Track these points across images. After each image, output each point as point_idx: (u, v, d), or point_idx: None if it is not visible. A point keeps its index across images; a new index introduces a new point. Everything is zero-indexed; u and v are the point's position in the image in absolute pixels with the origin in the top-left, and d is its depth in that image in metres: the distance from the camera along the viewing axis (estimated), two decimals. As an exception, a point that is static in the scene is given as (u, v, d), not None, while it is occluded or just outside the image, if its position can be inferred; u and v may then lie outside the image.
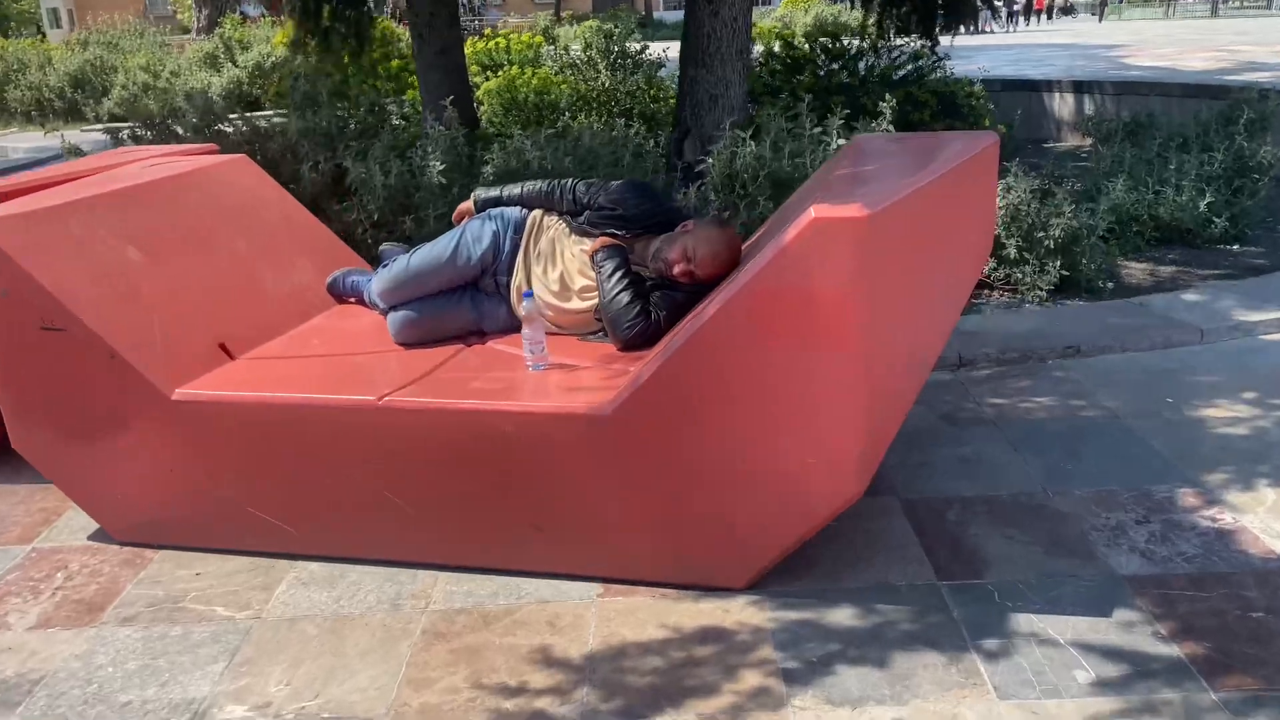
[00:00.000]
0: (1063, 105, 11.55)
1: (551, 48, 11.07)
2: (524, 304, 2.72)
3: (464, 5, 40.17)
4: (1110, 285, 6.12)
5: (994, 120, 8.94)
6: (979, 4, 9.43)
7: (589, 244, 2.83)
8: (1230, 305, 3.39)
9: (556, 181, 3.03)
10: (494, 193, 3.19)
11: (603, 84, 10.04)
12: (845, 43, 9.50)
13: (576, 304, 2.90)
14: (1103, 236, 6.94)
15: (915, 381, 2.33)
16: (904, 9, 9.46)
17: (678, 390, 2.08)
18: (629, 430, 2.15)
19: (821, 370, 1.95)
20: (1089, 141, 9.56)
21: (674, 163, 7.13)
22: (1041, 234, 5.79)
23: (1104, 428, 3.07)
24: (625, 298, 2.63)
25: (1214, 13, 49.67)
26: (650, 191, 2.91)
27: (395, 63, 11.12)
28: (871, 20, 9.66)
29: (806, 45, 9.27)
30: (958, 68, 14.90)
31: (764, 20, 34.09)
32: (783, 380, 2.00)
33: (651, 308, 2.68)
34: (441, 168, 5.27)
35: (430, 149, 5.35)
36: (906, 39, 9.64)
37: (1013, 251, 5.82)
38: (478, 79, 10.67)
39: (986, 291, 5.98)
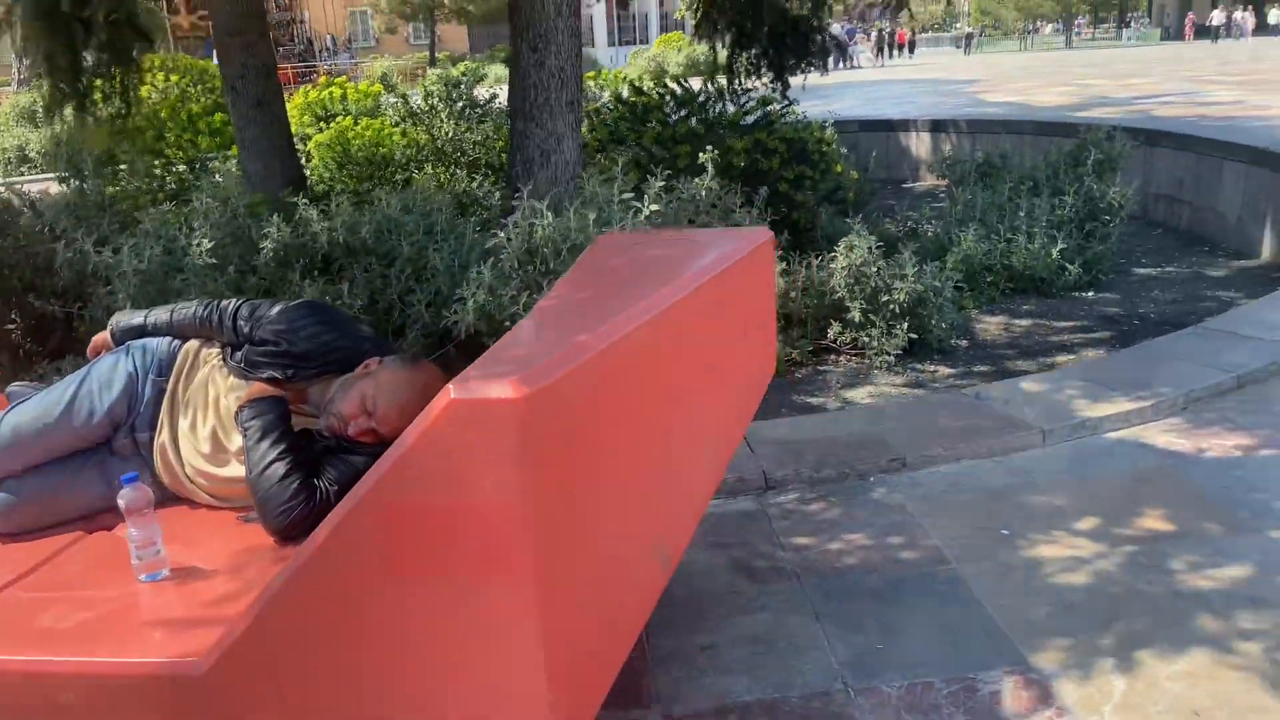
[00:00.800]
0: (920, 145, 11.44)
1: (392, 96, 10.41)
2: (123, 493, 1.96)
3: (326, 48, 39.12)
4: (963, 343, 5.79)
5: (846, 165, 8.66)
6: (827, 47, 9.17)
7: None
8: (1073, 395, 3.00)
9: (215, 303, 2.30)
10: (136, 319, 2.46)
11: (446, 134, 9.43)
12: (698, 86, 9.11)
13: (235, 469, 2.19)
14: (958, 286, 6.65)
15: (670, 550, 1.78)
16: (754, 51, 9.13)
17: (289, 636, 1.46)
18: (230, 695, 1.49)
19: (479, 599, 1.38)
20: (946, 181, 9.38)
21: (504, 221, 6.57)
22: (886, 297, 5.40)
23: (928, 580, 2.48)
24: (278, 471, 1.95)
25: (1068, 44, 52.05)
26: (330, 316, 2.25)
27: (219, 116, 10.30)
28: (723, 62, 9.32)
29: (655, 91, 8.84)
30: (821, 106, 14.77)
31: (638, 60, 34.08)
32: (431, 618, 1.40)
33: (321, 480, 2.02)
34: (210, 245, 4.57)
35: (197, 223, 4.65)
36: (759, 81, 9.31)
37: (857, 315, 5.42)
38: (309, 130, 9.94)
39: (833, 357, 5.57)
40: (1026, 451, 2.76)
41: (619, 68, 38.97)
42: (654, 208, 4.24)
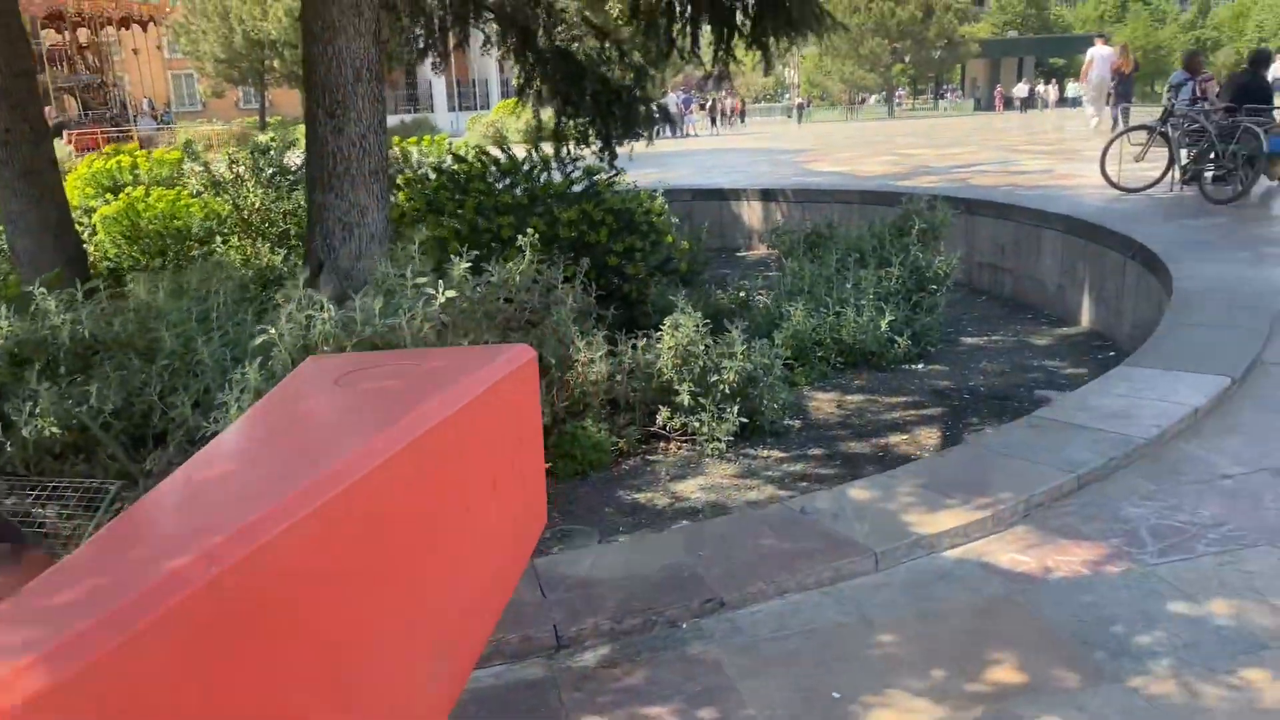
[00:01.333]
0: (751, 214, 11.42)
1: (194, 164, 9.60)
2: None
3: (144, 112, 37.21)
4: (796, 423, 5.52)
5: (677, 235, 8.43)
6: (654, 116, 8.97)
7: None
8: (908, 503, 2.69)
9: None
10: None
11: (253, 204, 8.70)
12: (528, 154, 8.71)
13: None
14: (789, 362, 6.43)
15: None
16: (582, 119, 8.84)
17: None
18: None
19: None
20: (778, 251, 9.30)
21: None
22: (715, 377, 5.07)
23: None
24: None
25: (890, 114, 54.92)
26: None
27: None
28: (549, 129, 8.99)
29: (478, 160, 8.41)
30: (657, 175, 14.76)
31: (476, 125, 33.76)
32: None
33: None
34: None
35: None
36: (588, 150, 9.00)
37: (686, 398, 5.06)
38: (94, 203, 9.02)
39: (663, 445, 5.18)
40: (859, 579, 2.41)
41: (456, 135, 38.55)
42: (450, 294, 3.77)
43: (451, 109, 51.32)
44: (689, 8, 8.74)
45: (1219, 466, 3.02)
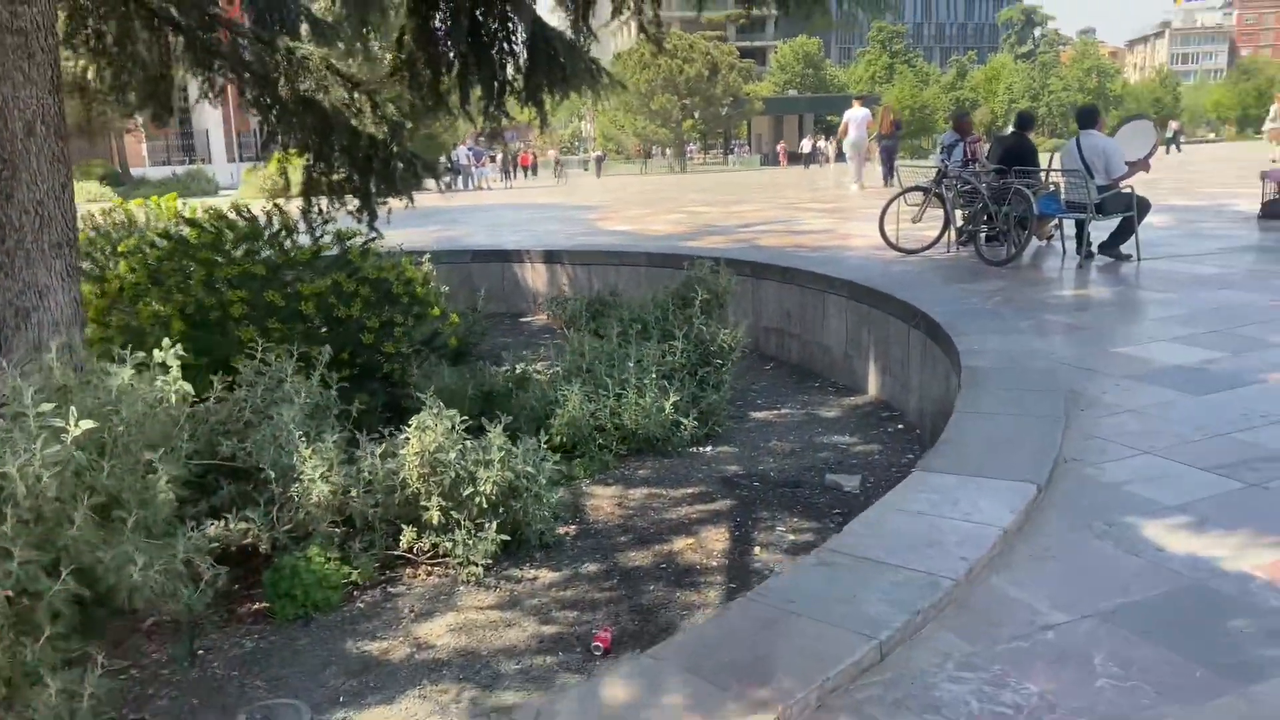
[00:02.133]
0: (536, 277, 10.78)
1: None
2: None
3: None
4: (571, 530, 4.83)
5: (446, 307, 7.64)
6: (419, 172, 8.17)
7: None
8: (673, 705, 2.06)
9: None
10: None
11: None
12: (268, 217, 7.69)
13: None
14: (567, 451, 5.77)
15: None
16: (335, 174, 7.92)
17: None
18: None
19: None
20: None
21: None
22: (470, 489, 4.31)
23: None
24: None
25: (682, 169, 56.25)
26: None
27: None
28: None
29: (210, 223, 7.33)
30: (439, 232, 13.91)
31: (253, 177, 31.74)
32: None
33: None
34: None
35: None
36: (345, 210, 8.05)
37: (436, 515, 4.27)
38: None
39: (409, 571, 4.36)
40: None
41: (231, 189, 36.25)
42: (85, 425, 2.85)
43: (231, 160, 48.43)
44: (457, 62, 8.04)
45: (1039, 613, 2.54)
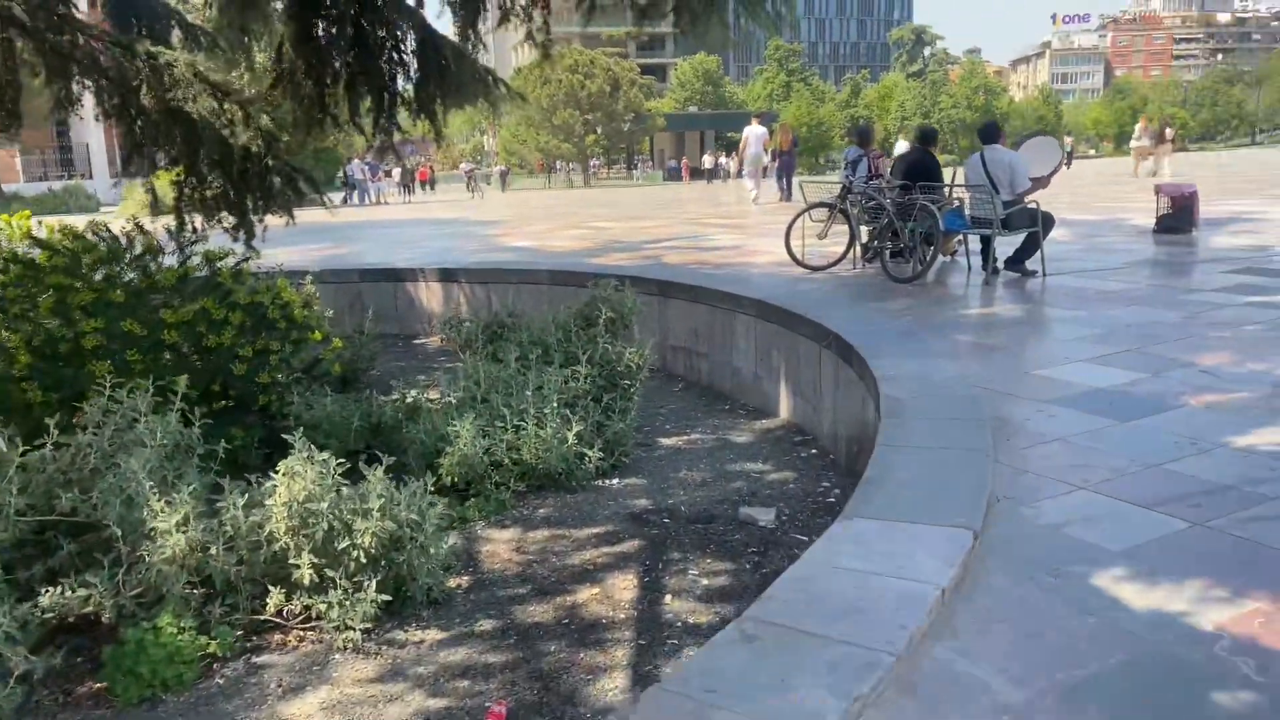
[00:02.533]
0: (431, 296, 10.27)
1: None
2: None
3: None
4: (464, 582, 4.39)
5: (327, 331, 7.10)
6: (301, 187, 7.61)
7: None
8: None
9: None
10: None
11: None
12: (128, 238, 7.05)
13: None
14: (461, 491, 5.32)
15: None
16: (209, 190, 7.31)
17: None
18: None
19: None
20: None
21: None
22: (346, 542, 3.84)
23: None
24: None
25: (586, 184, 55.98)
26: None
27: None
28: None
29: (63, 244, 6.66)
30: (331, 251, 13.24)
31: (135, 193, 30.18)
32: None
33: None
34: None
35: None
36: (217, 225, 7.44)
37: (307, 573, 3.79)
38: None
39: (278, 638, 3.87)
40: None
41: (112, 206, 34.45)
42: None
43: (115, 175, 46.11)
44: (343, 72, 7.51)
45: (993, 689, 2.24)
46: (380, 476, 4.03)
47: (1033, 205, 7.93)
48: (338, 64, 7.43)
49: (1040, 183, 8.15)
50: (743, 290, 7.69)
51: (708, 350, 8.03)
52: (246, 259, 7.04)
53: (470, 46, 6.73)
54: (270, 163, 6.78)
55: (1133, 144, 27.81)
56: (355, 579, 3.87)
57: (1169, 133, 28.57)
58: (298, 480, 3.89)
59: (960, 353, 5.56)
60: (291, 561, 3.85)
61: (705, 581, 4.27)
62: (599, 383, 6.29)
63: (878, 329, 6.05)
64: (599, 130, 58.87)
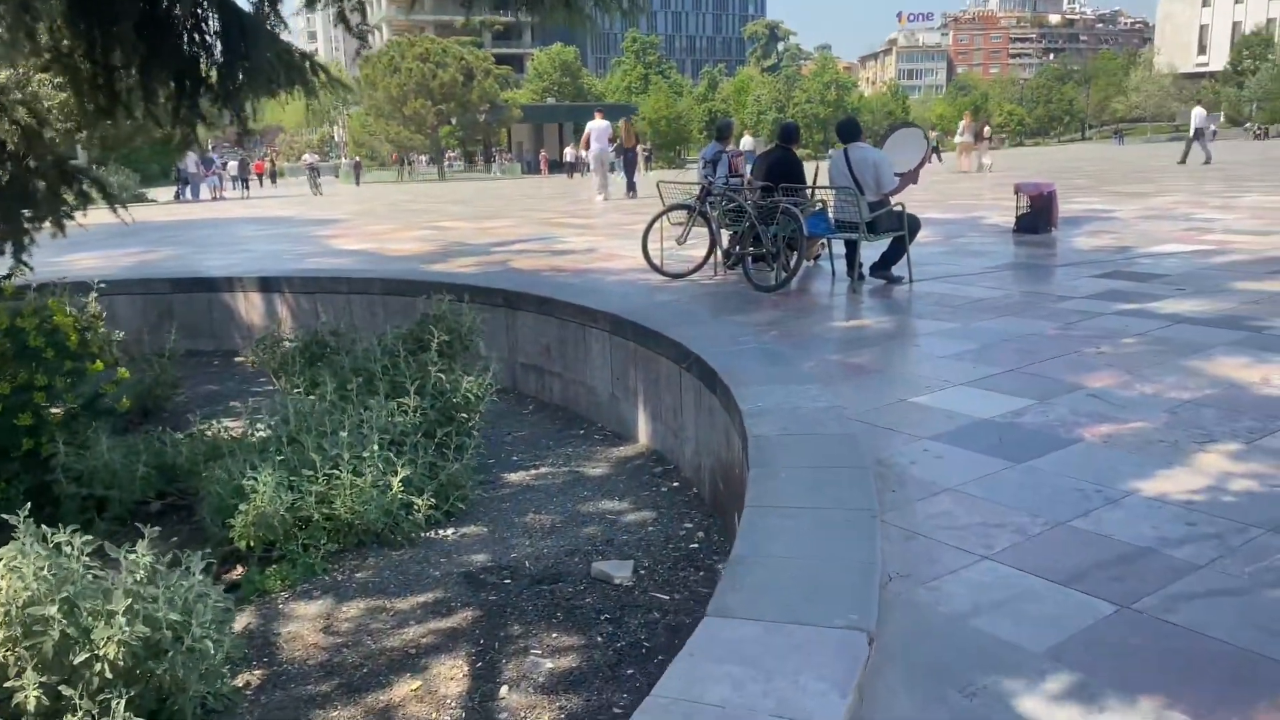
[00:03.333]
0: (251, 309, 9.22)
1: None
2: None
3: None
4: (253, 680, 3.59)
5: (115, 357, 6.10)
6: (86, 190, 6.55)
7: None
8: None
9: None
10: None
11: None
12: None
13: None
14: (264, 555, 4.48)
15: None
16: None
17: None
18: None
19: None
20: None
21: None
22: (85, 654, 3.00)
23: None
24: None
25: (441, 177, 54.32)
26: None
27: None
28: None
29: None
30: (139, 256, 11.84)
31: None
32: None
33: None
34: None
35: None
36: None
37: (34, 695, 2.93)
38: None
39: (-10, 788, 2.98)
40: None
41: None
42: None
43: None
44: (134, 52, 6.49)
45: None
46: (139, 559, 3.20)
47: (899, 208, 7.56)
48: (126, 44, 6.41)
49: (908, 178, 7.81)
50: (597, 302, 7.04)
51: (560, 368, 7.35)
52: (9, 276, 5.98)
53: (272, 25, 5.85)
54: (32, 164, 5.72)
55: (957, 139, 28.61)
56: (100, 699, 3.03)
57: (986, 130, 30.78)
58: (17, 577, 3.01)
59: (831, 375, 5.05)
60: (10, 683, 2.98)
61: (549, 664, 3.60)
62: (432, 416, 5.53)
63: (742, 348, 5.49)
64: (453, 121, 57.22)
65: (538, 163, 54.00)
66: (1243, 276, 7.10)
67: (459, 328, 6.04)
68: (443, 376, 5.72)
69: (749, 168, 8.88)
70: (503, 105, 58.76)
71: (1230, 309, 6.06)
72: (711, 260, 8.46)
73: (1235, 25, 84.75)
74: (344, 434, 4.86)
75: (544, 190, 28.32)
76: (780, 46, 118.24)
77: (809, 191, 8.03)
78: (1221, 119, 78.33)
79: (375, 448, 4.82)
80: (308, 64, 7.74)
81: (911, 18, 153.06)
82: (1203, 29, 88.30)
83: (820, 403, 4.36)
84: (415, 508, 4.83)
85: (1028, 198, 9.96)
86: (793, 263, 7.58)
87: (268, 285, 9.12)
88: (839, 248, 8.21)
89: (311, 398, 5.61)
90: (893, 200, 7.64)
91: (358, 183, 46.23)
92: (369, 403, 5.35)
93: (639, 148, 21.85)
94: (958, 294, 7.02)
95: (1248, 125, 63.14)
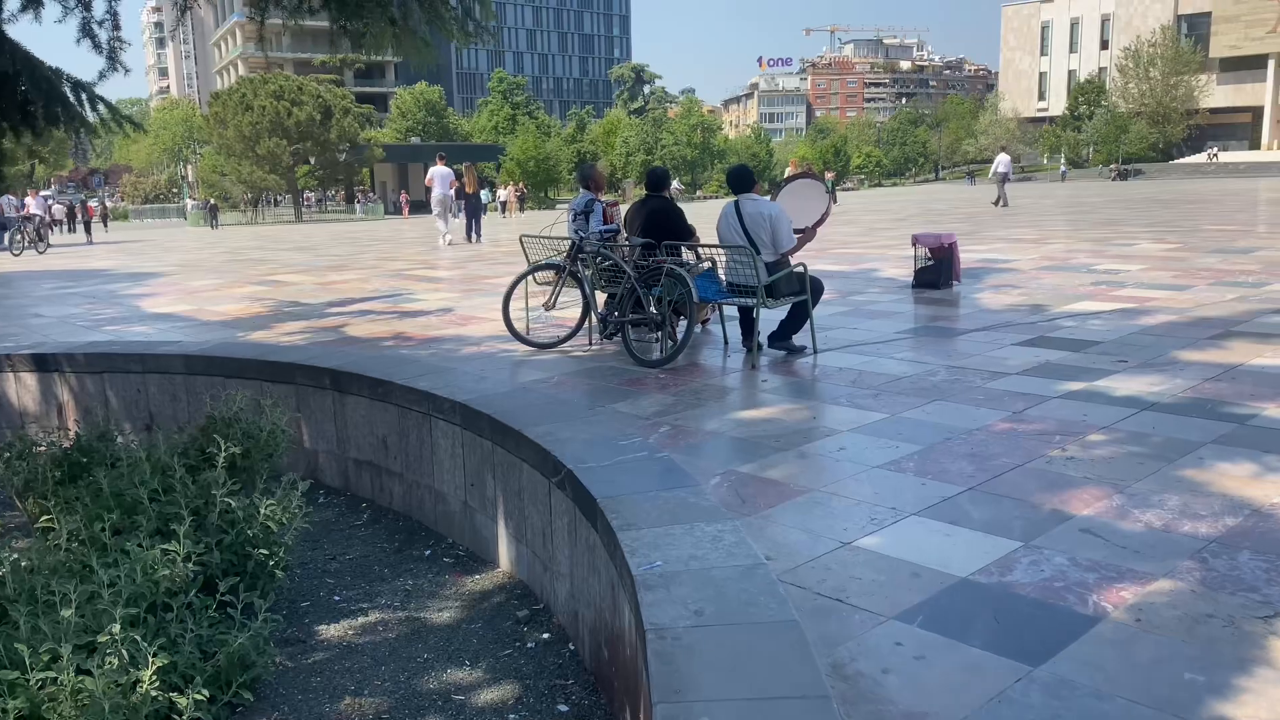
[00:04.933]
0: (25, 392, 7.51)
1: None
2: None
3: None
4: None
5: None
6: None
7: None
8: None
9: None
10: None
11: None
12: None
13: None
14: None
15: None
16: None
17: None
18: None
19: None
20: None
21: None
22: None
23: None
24: None
25: (298, 219, 51.67)
26: None
27: None
28: None
29: None
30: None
31: None
32: None
33: None
34: None
35: None
36: None
37: None
38: None
39: None
40: None
41: None
42: None
43: None
44: None
45: None
46: None
47: (800, 268, 6.53)
48: None
49: (807, 235, 6.82)
50: (444, 385, 5.73)
51: (401, 467, 6.00)
52: None
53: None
54: None
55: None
56: None
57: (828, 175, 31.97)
58: None
59: (745, 500, 3.89)
60: None
61: None
62: (216, 561, 4.12)
63: (626, 458, 4.27)
64: (311, 161, 54.65)
65: (400, 203, 51.99)
66: (1183, 343, 6.33)
67: (257, 435, 4.65)
68: (232, 502, 4.32)
69: (621, 219, 7.73)
70: (364, 144, 56.51)
71: (1193, 389, 5.20)
72: (586, 326, 7.27)
73: (1071, 73, 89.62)
74: (69, 611, 3.42)
75: (404, 233, 26.67)
76: (646, 89, 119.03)
77: (696, 248, 6.93)
78: (1063, 160, 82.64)
79: (116, 628, 3.39)
80: (83, 96, 6.37)
81: (771, 63, 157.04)
82: (1042, 76, 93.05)
83: (740, 556, 3.18)
84: (179, 708, 3.42)
85: (927, 250, 9.16)
86: (680, 333, 6.46)
87: (44, 363, 7.43)
88: (731, 309, 7.13)
89: (50, 541, 4.13)
90: (792, 260, 6.61)
91: (214, 226, 43.47)
92: (127, 547, 3.92)
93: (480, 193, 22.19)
94: (872, 369, 6.01)
95: (1112, 167, 66.72)
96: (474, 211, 20.40)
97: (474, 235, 20.05)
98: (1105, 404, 4.96)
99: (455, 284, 11.67)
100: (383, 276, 12.82)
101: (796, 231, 6.70)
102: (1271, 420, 4.59)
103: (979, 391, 5.32)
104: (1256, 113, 76.43)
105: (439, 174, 18.95)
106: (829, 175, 48.01)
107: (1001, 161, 28.49)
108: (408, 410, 5.85)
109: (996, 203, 27.29)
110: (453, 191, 19.30)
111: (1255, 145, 74.83)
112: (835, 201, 34.56)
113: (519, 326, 7.32)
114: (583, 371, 6.37)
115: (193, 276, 14.12)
